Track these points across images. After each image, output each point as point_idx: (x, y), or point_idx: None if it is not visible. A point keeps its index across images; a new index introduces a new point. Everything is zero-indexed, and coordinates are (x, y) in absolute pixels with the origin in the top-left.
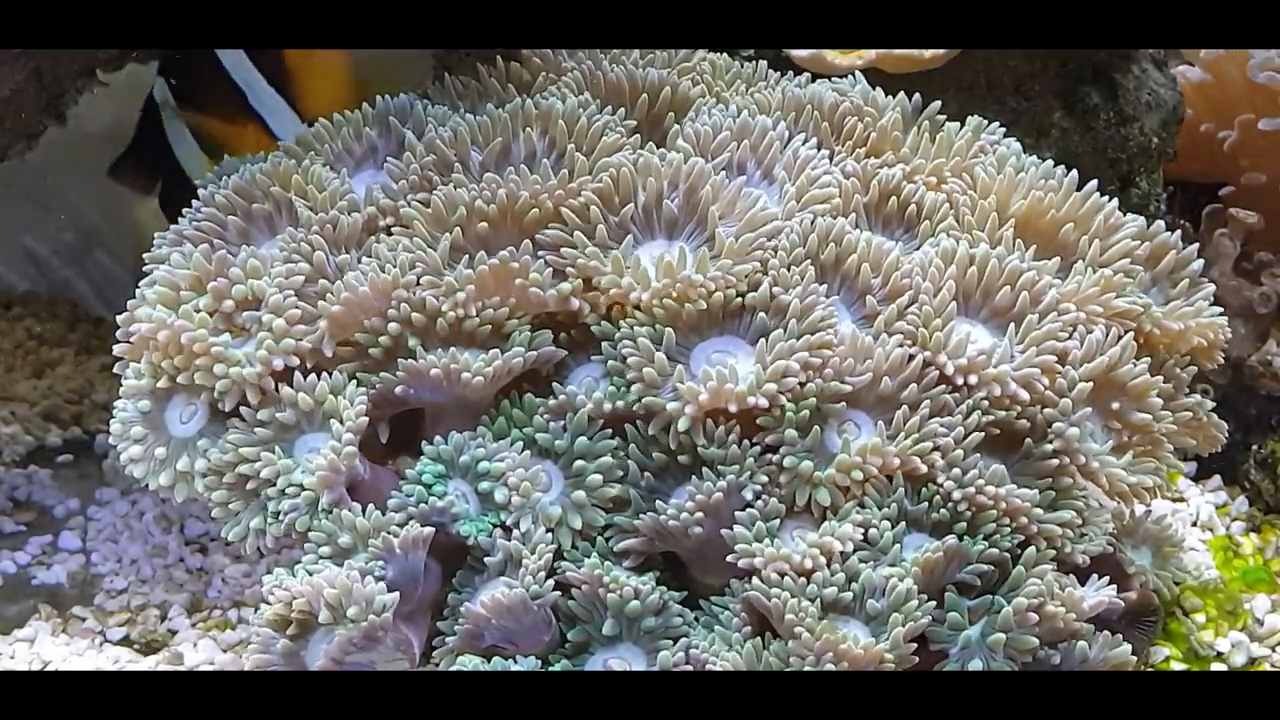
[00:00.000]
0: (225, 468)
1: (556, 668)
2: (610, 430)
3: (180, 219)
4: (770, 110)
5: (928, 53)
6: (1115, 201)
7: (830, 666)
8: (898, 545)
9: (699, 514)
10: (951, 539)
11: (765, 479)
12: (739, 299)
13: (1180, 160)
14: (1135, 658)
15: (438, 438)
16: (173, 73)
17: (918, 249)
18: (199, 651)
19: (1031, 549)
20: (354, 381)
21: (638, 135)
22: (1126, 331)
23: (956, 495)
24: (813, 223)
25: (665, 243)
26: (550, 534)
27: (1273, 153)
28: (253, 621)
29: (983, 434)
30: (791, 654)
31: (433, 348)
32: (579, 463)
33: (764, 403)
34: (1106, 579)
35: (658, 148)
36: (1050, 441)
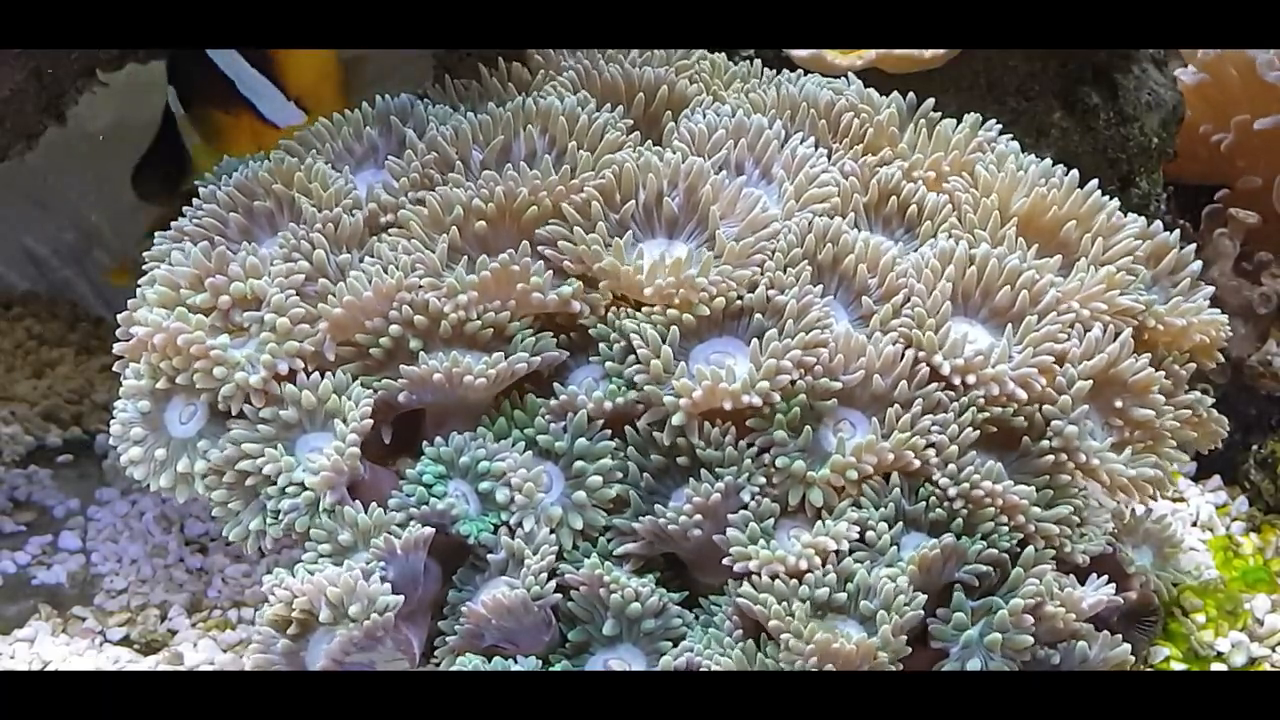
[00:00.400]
0: (226, 465)
1: (557, 668)
2: (610, 431)
3: (181, 217)
4: (766, 109)
5: (928, 53)
6: (1116, 201)
7: (825, 668)
8: (895, 546)
9: (697, 516)
10: (949, 537)
11: (764, 480)
12: (738, 301)
13: (1180, 160)
14: (1135, 658)
15: (438, 439)
16: (173, 78)
17: (919, 248)
18: (199, 651)
19: (1030, 549)
20: (358, 382)
21: (636, 134)
22: (1126, 328)
23: (953, 493)
24: (810, 223)
25: (665, 241)
26: (553, 534)
27: (1270, 153)
28: (255, 621)
29: (978, 431)
30: (783, 659)
31: (434, 349)
32: (579, 464)
33: (758, 402)
34: (1106, 578)
35: (655, 146)
36: (1049, 439)
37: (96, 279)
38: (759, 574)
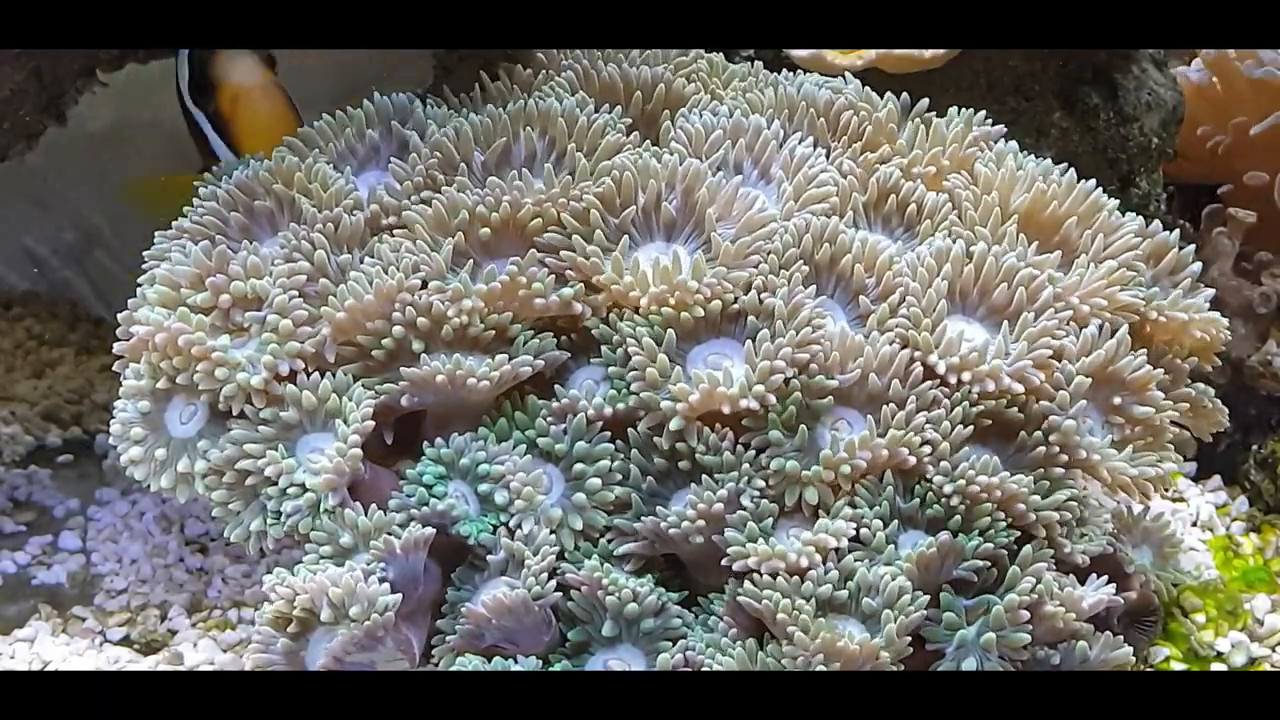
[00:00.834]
0: (226, 465)
1: (557, 668)
2: (609, 434)
3: (181, 216)
4: (764, 109)
5: (928, 53)
6: (1115, 202)
7: (828, 667)
8: (892, 545)
9: (700, 522)
10: (946, 535)
11: (763, 484)
12: (735, 303)
13: (1180, 160)
14: (1135, 658)
15: (439, 440)
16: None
17: (917, 247)
18: (199, 651)
19: (1028, 548)
20: (359, 383)
21: (635, 134)
22: (1123, 325)
23: (948, 489)
24: (807, 223)
25: (664, 244)
26: (553, 535)
27: (1268, 154)
28: (255, 621)
29: (973, 427)
30: (787, 655)
31: (436, 351)
32: (578, 466)
33: (755, 406)
34: (1106, 578)
35: (654, 146)
36: (1046, 434)
37: (97, 278)
38: (759, 571)
